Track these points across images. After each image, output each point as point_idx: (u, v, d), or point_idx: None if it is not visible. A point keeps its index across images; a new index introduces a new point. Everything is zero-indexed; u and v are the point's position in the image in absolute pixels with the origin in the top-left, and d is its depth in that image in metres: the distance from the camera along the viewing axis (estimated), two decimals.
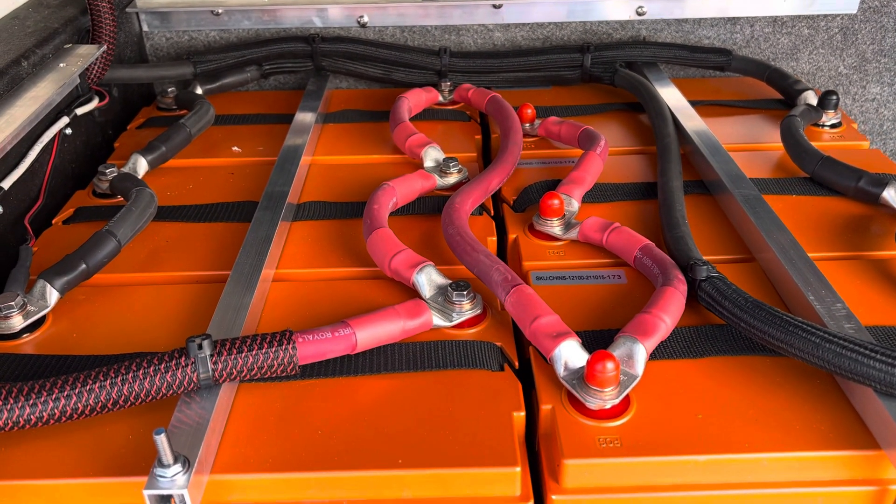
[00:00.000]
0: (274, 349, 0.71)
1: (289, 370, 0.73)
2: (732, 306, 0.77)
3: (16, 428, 0.65)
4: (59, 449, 0.69)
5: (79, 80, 1.20)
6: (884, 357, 0.66)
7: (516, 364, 0.80)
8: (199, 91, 1.42)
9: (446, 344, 0.81)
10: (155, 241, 1.01)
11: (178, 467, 0.62)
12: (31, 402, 0.65)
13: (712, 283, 0.81)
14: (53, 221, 1.07)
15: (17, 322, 0.83)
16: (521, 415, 0.73)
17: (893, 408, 0.67)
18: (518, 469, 0.67)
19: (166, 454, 0.61)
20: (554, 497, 0.68)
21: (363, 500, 0.68)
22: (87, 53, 1.18)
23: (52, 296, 0.85)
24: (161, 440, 0.60)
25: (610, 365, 0.70)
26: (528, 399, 0.77)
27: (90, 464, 0.68)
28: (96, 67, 1.24)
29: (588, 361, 0.71)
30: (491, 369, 0.78)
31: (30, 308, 0.85)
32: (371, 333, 0.77)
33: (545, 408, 0.73)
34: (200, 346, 0.68)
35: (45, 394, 0.65)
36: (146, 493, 0.61)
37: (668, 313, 0.77)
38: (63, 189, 1.17)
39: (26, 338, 0.84)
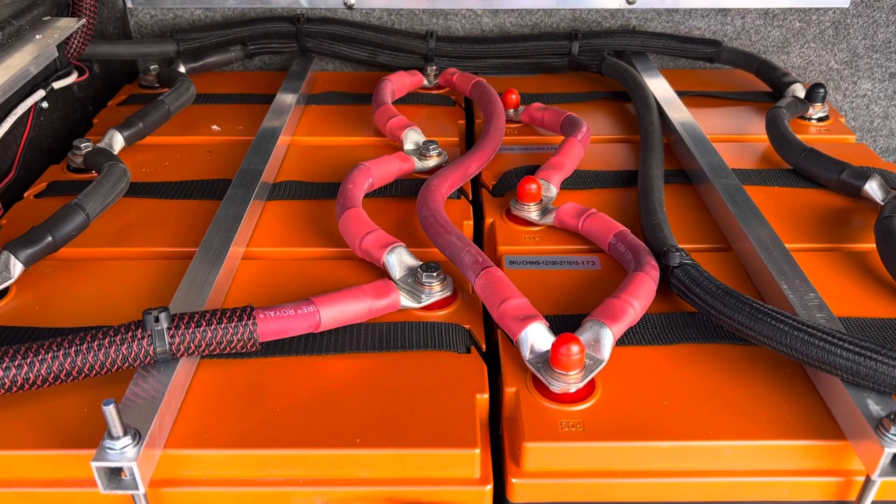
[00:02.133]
0: (234, 325, 0.70)
1: (249, 346, 0.71)
2: (703, 293, 0.76)
3: None
4: (8, 420, 0.68)
5: (57, 54, 1.18)
6: (851, 346, 0.65)
7: (483, 347, 0.79)
8: (182, 69, 1.40)
9: (413, 325, 0.79)
10: (126, 216, 0.99)
11: (127, 440, 0.60)
12: None
13: (684, 270, 0.80)
14: (25, 195, 1.06)
15: None
16: (484, 397, 0.71)
17: (860, 398, 0.66)
18: (477, 451, 0.66)
19: (115, 426, 0.59)
20: (514, 480, 0.67)
21: (319, 478, 0.67)
22: (65, 26, 1.16)
23: (16, 267, 0.84)
24: (110, 411, 0.59)
25: (574, 348, 0.69)
26: (494, 382, 0.76)
27: (41, 436, 0.67)
28: (76, 42, 1.22)
29: (553, 344, 0.70)
30: (457, 351, 0.76)
31: None
32: (336, 312, 0.76)
33: (509, 390, 0.72)
34: (157, 319, 0.67)
35: None
36: (94, 465, 0.60)
37: (638, 298, 0.76)
38: (38, 163, 1.16)
39: None
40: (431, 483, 0.67)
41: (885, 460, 0.62)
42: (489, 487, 0.67)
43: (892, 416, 0.62)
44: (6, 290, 0.85)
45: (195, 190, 1.05)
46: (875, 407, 0.65)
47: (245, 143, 1.15)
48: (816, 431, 0.68)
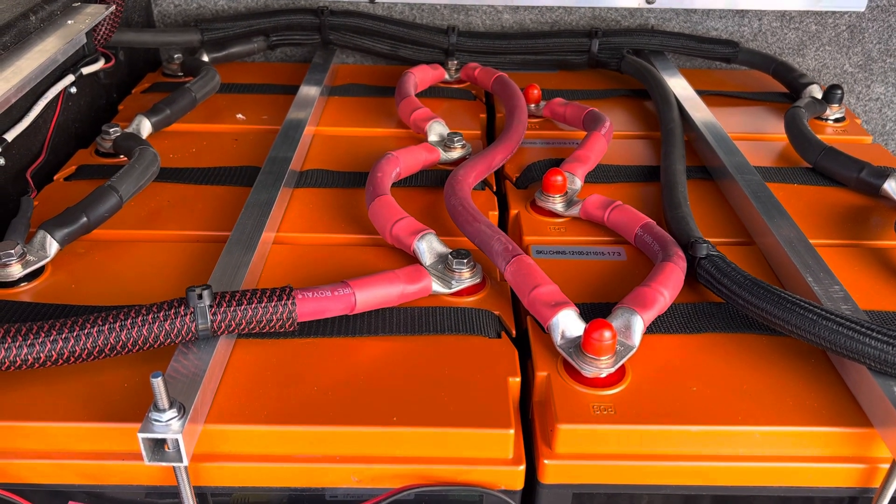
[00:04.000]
0: (273, 304, 0.71)
1: (287, 326, 0.73)
2: (731, 283, 0.77)
3: (13, 368, 0.65)
4: (54, 393, 0.69)
5: (85, 40, 1.19)
6: (880, 335, 0.66)
7: (514, 332, 0.80)
8: (205, 59, 1.41)
9: (444, 310, 0.81)
10: (156, 200, 1.01)
11: (173, 412, 0.62)
12: (30, 342, 0.65)
13: (712, 261, 0.81)
14: (55, 178, 1.07)
15: (16, 270, 0.83)
16: (516, 380, 0.73)
17: (887, 386, 0.67)
18: (512, 431, 0.68)
19: (162, 398, 0.61)
20: (546, 462, 0.69)
21: (355, 456, 0.68)
22: (95, 12, 1.17)
23: (52, 246, 0.85)
24: (158, 383, 0.60)
25: (607, 333, 0.70)
26: (524, 368, 0.77)
27: (84, 409, 0.68)
28: (104, 28, 1.24)
29: (585, 330, 0.71)
30: (488, 336, 0.78)
31: (29, 258, 0.84)
32: (370, 295, 0.77)
33: (541, 375, 0.73)
34: (200, 296, 0.68)
35: (43, 335, 0.65)
36: (140, 436, 0.61)
37: (667, 287, 0.78)
38: (65, 148, 1.17)
39: (24, 286, 0.84)
40: (465, 462, 0.68)
41: None
42: (522, 468, 0.68)
43: None
44: (42, 268, 0.86)
45: (223, 176, 1.06)
46: None
47: (270, 133, 1.17)
48: (843, 419, 0.69)
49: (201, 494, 0.70)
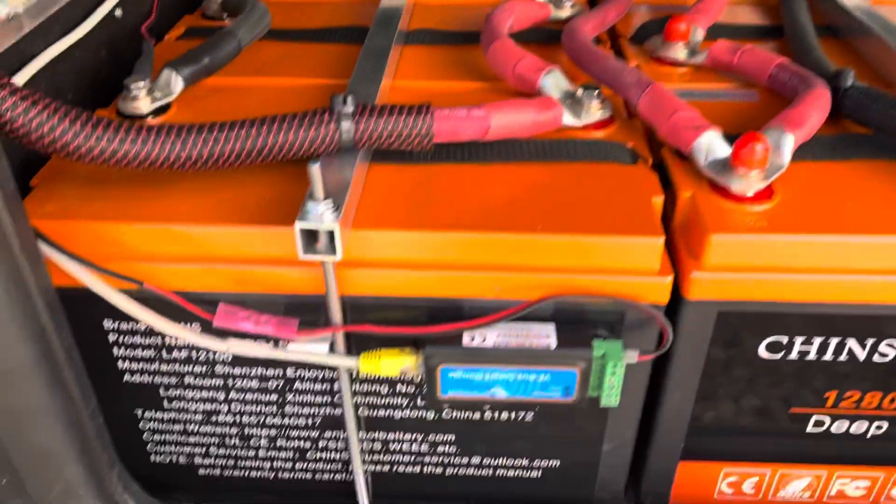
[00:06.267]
0: (413, 118, 0.70)
1: (424, 143, 0.72)
2: (885, 107, 0.74)
3: (165, 165, 0.66)
4: (202, 199, 0.70)
5: None
6: None
7: (650, 160, 0.78)
8: None
9: (576, 141, 0.79)
10: (268, 53, 1.00)
11: (328, 204, 0.61)
12: (182, 139, 0.65)
13: (859, 89, 0.77)
14: (166, 37, 1.07)
15: (145, 104, 0.84)
16: (659, 199, 0.71)
17: None
18: (661, 240, 0.66)
19: (319, 187, 0.61)
20: (694, 274, 0.67)
21: (498, 265, 0.67)
22: None
23: (178, 84, 0.86)
24: (315, 171, 0.60)
25: (759, 146, 0.68)
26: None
27: (231, 213, 0.69)
28: None
29: (736, 143, 0.69)
30: (625, 163, 0.76)
31: (156, 94, 0.85)
32: (503, 119, 0.76)
33: (685, 195, 0.71)
34: (345, 101, 0.68)
35: (194, 134, 0.66)
36: (298, 225, 0.61)
37: (816, 109, 0.74)
38: (172, 11, 1.17)
39: (152, 121, 0.84)
40: (611, 273, 0.67)
41: None
42: (670, 279, 0.67)
43: None
44: (167, 106, 0.87)
45: (332, 35, 1.05)
46: None
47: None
48: None
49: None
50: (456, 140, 0.75)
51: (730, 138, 0.78)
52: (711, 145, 0.72)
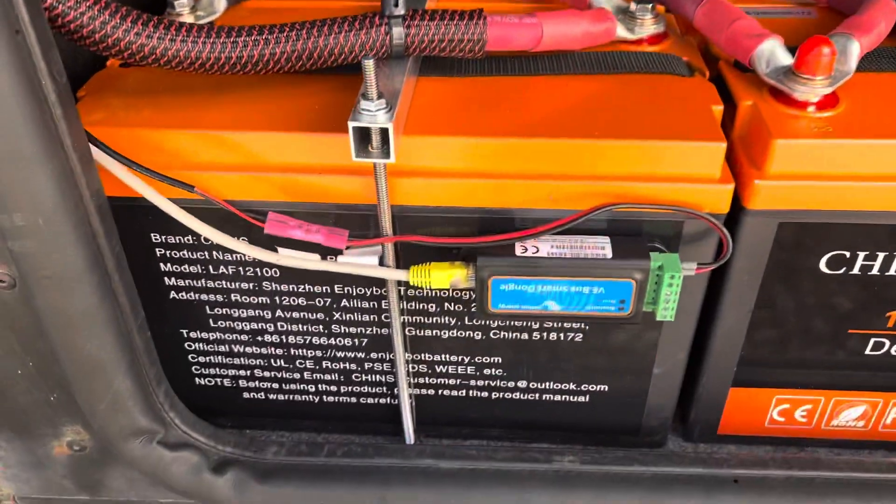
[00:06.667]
0: (465, 22, 0.68)
1: (476, 50, 0.70)
2: None
3: (216, 66, 0.64)
4: (252, 107, 0.69)
5: None
6: None
7: (706, 73, 0.75)
8: None
9: (630, 53, 0.77)
10: None
11: (382, 103, 0.60)
12: (233, 39, 0.64)
13: None
14: None
15: (188, 21, 0.82)
16: (719, 108, 0.69)
17: None
18: (723, 145, 0.64)
19: (372, 85, 0.59)
20: (757, 182, 0.65)
21: (553, 173, 0.66)
22: None
23: (221, 3, 0.85)
24: (369, 66, 0.58)
25: (826, 49, 0.65)
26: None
27: (281, 121, 0.67)
28: None
29: (801, 47, 0.66)
30: (682, 75, 0.74)
31: (199, 12, 0.84)
32: (556, 29, 0.73)
33: (745, 104, 0.69)
34: (396, 3, 0.66)
35: (244, 35, 0.65)
36: (351, 123, 0.60)
37: (884, 16, 0.72)
38: None
39: None
40: (669, 180, 0.65)
41: None
42: (731, 186, 0.65)
43: None
44: (211, 24, 0.85)
45: None
46: None
47: None
48: None
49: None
50: (508, 48, 0.73)
51: (790, 50, 0.75)
52: (773, 53, 0.69)
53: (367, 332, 0.79)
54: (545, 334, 0.77)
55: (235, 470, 0.78)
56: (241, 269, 0.75)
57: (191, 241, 0.73)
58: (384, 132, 0.60)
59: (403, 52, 0.68)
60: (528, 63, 0.75)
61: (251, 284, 0.76)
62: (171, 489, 0.79)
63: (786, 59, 0.69)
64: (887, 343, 0.75)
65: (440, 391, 0.83)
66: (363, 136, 0.61)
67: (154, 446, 0.76)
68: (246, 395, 0.86)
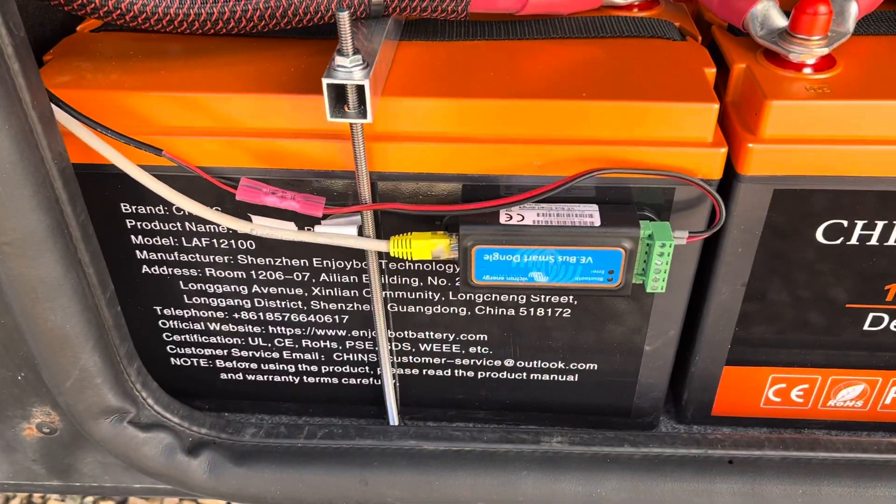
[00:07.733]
0: None
1: (459, 10, 0.67)
2: None
3: (185, 24, 0.62)
4: (224, 70, 0.67)
5: None
6: None
7: (699, 38, 0.73)
8: None
9: (620, 18, 0.74)
10: None
11: (358, 59, 0.57)
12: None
13: None
14: None
15: None
16: (712, 70, 0.66)
17: None
18: (716, 106, 0.61)
19: (348, 39, 0.56)
20: (750, 145, 0.62)
21: (538, 137, 0.63)
22: None
23: None
24: (344, 18, 0.55)
25: (823, 8, 0.62)
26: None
27: (254, 83, 0.65)
28: None
29: (797, 6, 0.63)
30: (673, 39, 0.71)
31: None
32: None
33: (739, 66, 0.66)
34: None
35: None
36: (325, 80, 0.57)
37: None
38: None
39: None
40: (660, 144, 0.62)
41: None
42: (724, 150, 0.62)
43: None
44: None
45: None
46: None
47: None
48: None
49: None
50: (492, 10, 0.70)
51: (785, 13, 0.73)
52: (768, 14, 0.67)
53: (348, 308, 0.76)
54: (532, 310, 0.74)
55: (210, 452, 0.75)
56: (215, 241, 0.72)
57: (162, 212, 0.70)
58: (360, 90, 0.57)
59: (383, 12, 0.65)
60: (514, 27, 0.73)
61: (226, 258, 0.73)
62: (144, 471, 0.76)
63: (780, 20, 0.66)
64: (886, 318, 0.73)
65: (424, 371, 0.80)
66: (339, 94, 0.58)
67: (125, 426, 0.73)
68: (223, 375, 0.83)
